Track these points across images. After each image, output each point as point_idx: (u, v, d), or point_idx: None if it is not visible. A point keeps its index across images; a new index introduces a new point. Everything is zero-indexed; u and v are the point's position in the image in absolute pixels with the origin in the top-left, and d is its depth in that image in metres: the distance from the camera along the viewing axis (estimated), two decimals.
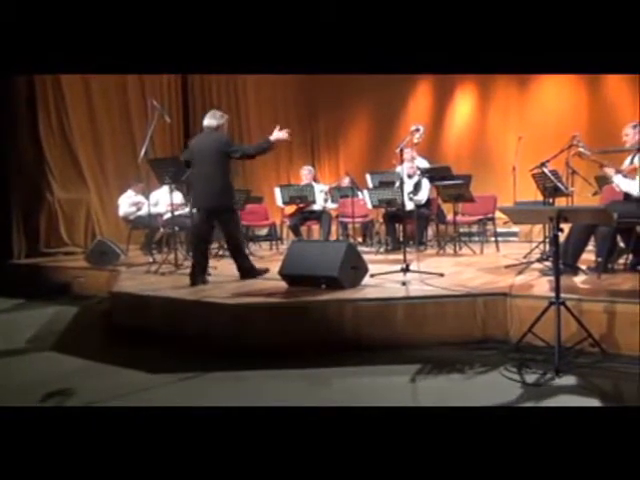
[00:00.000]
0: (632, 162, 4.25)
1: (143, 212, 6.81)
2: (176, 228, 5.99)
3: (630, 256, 4.47)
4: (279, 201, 7.07)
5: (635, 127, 4.59)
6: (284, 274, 4.29)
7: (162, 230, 6.74)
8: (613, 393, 2.77)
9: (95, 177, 8.18)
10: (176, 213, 5.99)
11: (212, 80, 9.70)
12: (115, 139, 8.47)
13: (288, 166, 10.41)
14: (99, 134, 8.25)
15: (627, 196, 4.22)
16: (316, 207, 7.18)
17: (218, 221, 4.75)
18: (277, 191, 7.11)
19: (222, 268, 5.55)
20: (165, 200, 6.30)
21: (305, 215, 7.19)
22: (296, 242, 4.73)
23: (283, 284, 4.28)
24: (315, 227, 7.90)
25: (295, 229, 7.08)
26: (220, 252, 6.91)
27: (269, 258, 6.44)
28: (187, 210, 6.40)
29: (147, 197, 6.62)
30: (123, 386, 3.09)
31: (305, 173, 7.46)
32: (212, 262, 5.89)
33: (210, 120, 4.63)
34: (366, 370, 3.27)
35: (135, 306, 4.36)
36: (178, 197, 6.70)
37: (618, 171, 4.26)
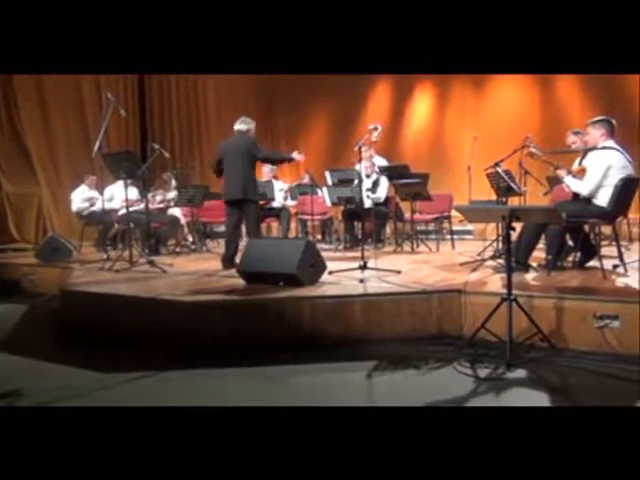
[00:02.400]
0: (580, 164, 4.41)
1: (97, 208, 6.65)
2: (131, 224, 5.87)
3: (578, 254, 4.64)
4: None
5: (577, 133, 4.77)
6: (242, 271, 4.26)
7: (117, 226, 6.60)
8: (561, 386, 2.86)
9: (47, 171, 7.93)
10: (131, 209, 5.86)
11: (171, 77, 9.53)
12: (68, 132, 8.23)
13: None
14: (51, 127, 8.00)
15: (575, 196, 4.37)
16: (275, 204, 7.17)
17: (242, 211, 5.19)
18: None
19: (179, 265, 5.47)
20: (120, 195, 6.16)
21: (264, 212, 7.15)
22: (254, 239, 4.70)
23: (241, 281, 4.25)
24: (274, 224, 7.88)
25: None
26: (177, 249, 6.81)
27: None
28: (143, 206, 6.29)
29: (101, 192, 6.46)
30: (74, 386, 3.01)
31: (266, 171, 7.42)
32: (168, 259, 5.83)
33: (241, 125, 5.25)
34: (323, 367, 3.28)
35: (88, 304, 4.25)
36: (134, 193, 6.56)
37: (569, 172, 4.42)
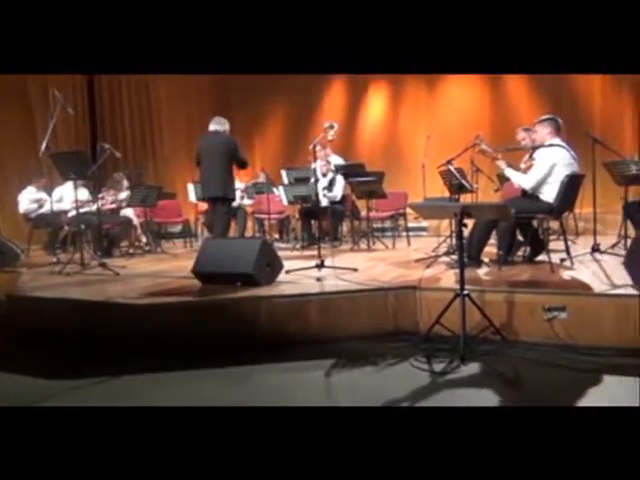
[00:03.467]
0: (529, 160, 4.55)
1: (46, 209, 6.43)
2: (82, 226, 5.71)
3: (528, 249, 4.78)
4: (192, 197, 6.92)
5: (527, 130, 4.92)
6: (197, 272, 4.20)
7: (67, 228, 6.40)
8: (513, 377, 2.95)
9: None
10: (82, 210, 5.70)
11: (121, 77, 9.30)
12: (14, 131, 7.92)
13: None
14: None
15: (524, 193, 4.50)
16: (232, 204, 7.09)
17: (214, 207, 5.28)
18: (190, 187, 6.96)
19: (132, 267, 5.36)
20: (70, 196, 5.98)
21: None
22: (210, 239, 4.65)
23: (196, 282, 4.20)
24: (231, 223, 7.80)
25: (210, 226, 6.94)
26: (130, 251, 6.66)
27: (183, 256, 6.29)
28: (94, 207, 6.12)
29: (50, 193, 6.25)
30: (22, 393, 2.90)
31: None
32: (121, 261, 5.70)
33: (217, 125, 5.34)
34: (282, 367, 3.27)
35: (37, 310, 4.10)
36: (84, 193, 6.38)
37: (509, 164, 4.54)
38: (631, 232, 4.90)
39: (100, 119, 9.26)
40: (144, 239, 7.07)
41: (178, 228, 8.17)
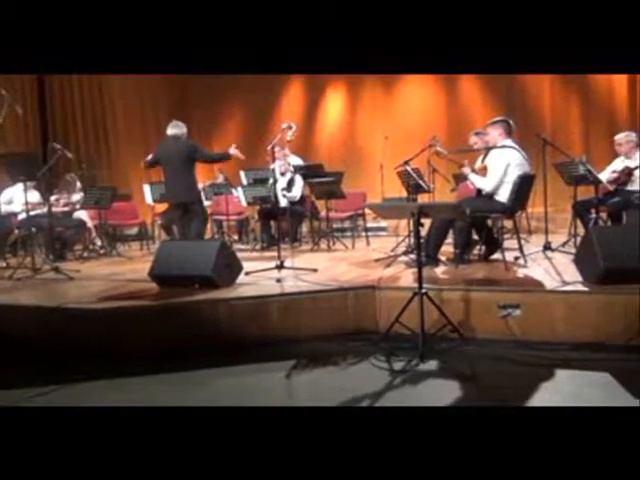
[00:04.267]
0: (482, 162, 4.66)
1: None
2: (33, 229, 5.52)
3: (483, 247, 4.90)
4: (149, 199, 6.79)
5: (478, 134, 5.04)
6: (154, 275, 4.13)
7: (17, 232, 6.17)
8: (469, 374, 3.01)
9: None
10: (33, 213, 5.52)
11: (73, 78, 9.03)
12: None
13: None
14: None
15: (479, 193, 4.61)
16: None
17: (186, 211, 5.23)
18: (146, 188, 6.83)
19: (87, 271, 5.22)
20: (20, 199, 5.77)
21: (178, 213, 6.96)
22: (166, 241, 4.58)
23: (153, 286, 4.12)
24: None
25: (167, 228, 6.84)
26: (84, 254, 6.48)
27: (139, 259, 6.17)
28: (45, 209, 5.93)
29: None
30: None
31: None
32: (75, 265, 5.55)
33: (175, 130, 5.24)
34: (243, 369, 3.25)
35: None
36: (35, 195, 6.18)
37: (473, 170, 4.66)
38: (580, 230, 5.07)
39: (51, 119, 8.97)
40: (98, 242, 6.89)
41: (134, 230, 7.99)
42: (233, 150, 5.23)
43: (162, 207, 6.92)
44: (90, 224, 6.86)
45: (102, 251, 6.70)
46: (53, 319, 3.68)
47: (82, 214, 6.78)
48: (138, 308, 3.67)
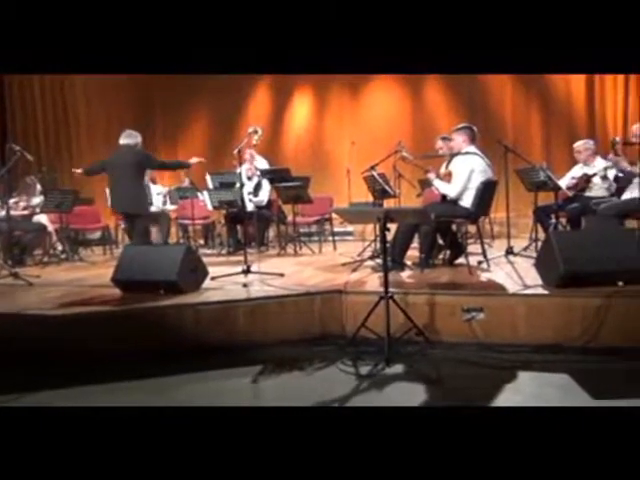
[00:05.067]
0: (447, 168, 4.74)
1: None
2: None
3: (448, 252, 4.97)
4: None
5: (444, 139, 5.13)
6: (118, 280, 4.05)
7: None
8: (435, 376, 3.05)
9: None
10: None
11: (34, 78, 8.80)
12: None
13: None
14: None
15: (444, 198, 4.69)
16: (153, 209, 6.89)
17: (130, 223, 5.22)
18: (109, 192, 6.68)
19: (47, 276, 5.08)
20: None
21: None
22: (130, 246, 4.50)
23: (117, 291, 4.04)
24: (153, 229, 7.57)
25: (131, 232, 6.71)
26: (45, 259, 6.32)
27: (102, 264, 6.04)
28: (4, 213, 5.75)
29: None
30: None
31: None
32: (35, 270, 5.40)
33: (128, 139, 5.13)
34: (209, 375, 3.22)
35: None
36: None
37: (438, 175, 4.73)
38: (541, 235, 5.20)
39: (10, 119, 8.73)
40: (60, 247, 6.72)
41: (97, 235, 7.82)
42: (195, 160, 5.44)
43: None
44: (51, 228, 6.69)
45: (63, 256, 6.54)
46: (12, 326, 3.57)
47: (42, 218, 6.61)
48: (100, 314, 3.60)
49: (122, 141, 5.18)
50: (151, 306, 3.66)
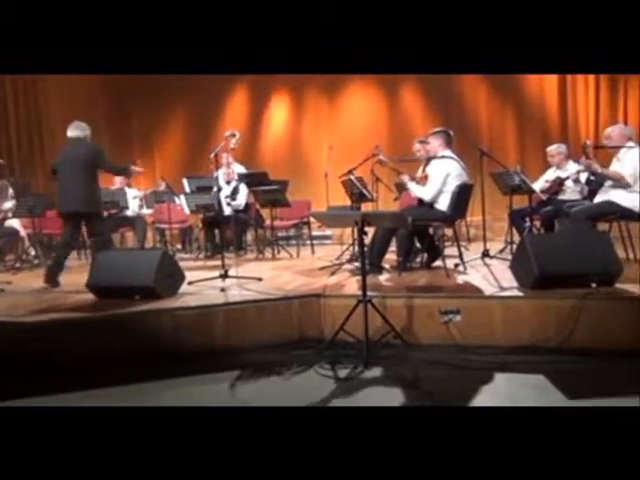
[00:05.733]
0: (423, 171, 4.78)
1: None
2: None
3: (425, 255, 5.01)
4: None
5: (422, 142, 5.18)
6: (92, 286, 3.99)
7: None
8: (412, 379, 3.07)
9: None
10: None
11: (5, 80, 8.62)
12: None
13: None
14: None
15: (421, 202, 4.72)
16: (129, 213, 6.82)
17: (86, 225, 4.90)
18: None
19: (19, 282, 4.98)
20: None
21: (117, 221, 6.77)
22: (105, 251, 4.43)
23: (92, 297, 3.98)
24: (129, 234, 7.49)
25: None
26: (17, 264, 6.19)
27: (76, 269, 5.93)
28: None
29: None
30: None
31: (119, 178, 7.04)
32: (7, 276, 5.29)
33: (76, 131, 4.82)
34: (186, 381, 3.18)
35: None
36: None
37: (412, 178, 4.77)
38: (516, 238, 5.28)
39: None
40: (32, 252, 6.59)
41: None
42: (135, 169, 5.22)
43: None
44: (23, 233, 6.57)
45: (36, 261, 6.41)
46: None
47: (14, 222, 6.48)
48: (75, 321, 3.53)
49: (70, 133, 4.85)
50: (127, 312, 3.61)
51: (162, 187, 7.55)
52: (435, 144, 4.71)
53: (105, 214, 6.59)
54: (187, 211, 6.58)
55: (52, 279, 4.66)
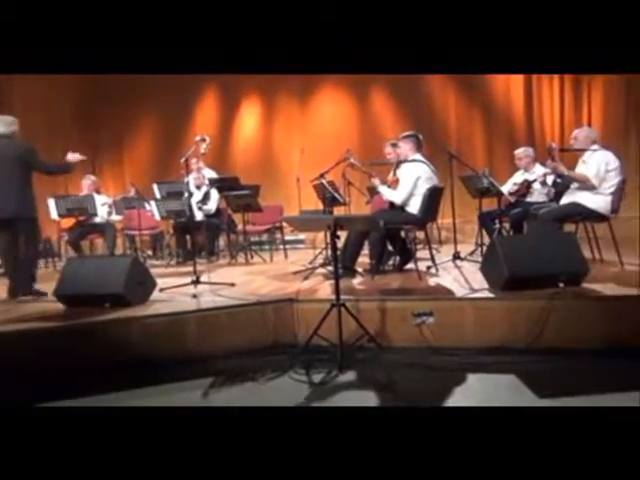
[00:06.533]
0: (394, 174, 4.82)
1: None
2: None
3: (397, 258, 5.05)
4: (54, 213, 6.43)
5: (394, 145, 5.23)
6: (61, 294, 3.90)
7: None
8: (386, 382, 3.08)
9: None
10: None
11: None
12: None
13: (65, 175, 9.45)
14: None
15: (392, 205, 4.76)
16: (98, 220, 6.70)
17: (14, 231, 4.40)
18: (51, 202, 6.45)
19: None
20: None
21: (86, 229, 6.65)
22: (73, 259, 4.35)
23: (60, 306, 3.89)
24: (99, 241, 7.36)
25: (75, 244, 6.50)
26: None
27: (44, 277, 5.79)
28: None
29: None
30: None
31: (87, 183, 6.92)
32: None
33: (1, 128, 4.36)
34: (159, 389, 3.13)
35: None
36: None
37: (383, 182, 4.81)
38: (486, 240, 5.35)
39: None
40: None
41: (38, 247, 7.51)
42: (70, 157, 4.58)
43: (69, 223, 6.58)
44: None
45: (1, 270, 6.24)
46: None
47: None
48: (43, 330, 3.45)
49: None
50: (96, 320, 3.54)
51: (132, 193, 7.46)
52: (405, 148, 4.76)
53: (74, 221, 6.52)
54: (158, 217, 6.50)
55: (13, 293, 4.43)
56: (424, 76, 8.71)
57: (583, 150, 4.62)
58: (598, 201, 4.46)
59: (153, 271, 4.31)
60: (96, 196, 6.74)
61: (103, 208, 6.75)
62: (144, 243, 7.78)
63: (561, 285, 3.52)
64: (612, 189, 4.46)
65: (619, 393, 2.67)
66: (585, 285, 3.63)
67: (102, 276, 3.87)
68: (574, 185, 4.61)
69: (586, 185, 4.48)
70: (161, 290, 4.21)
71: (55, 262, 7.07)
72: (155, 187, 6.85)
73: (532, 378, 2.93)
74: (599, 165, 4.44)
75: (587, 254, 4.37)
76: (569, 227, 4.85)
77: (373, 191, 6.19)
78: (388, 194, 4.71)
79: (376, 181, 4.77)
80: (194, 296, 4.06)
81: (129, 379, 3.21)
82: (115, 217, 7.06)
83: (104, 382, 3.16)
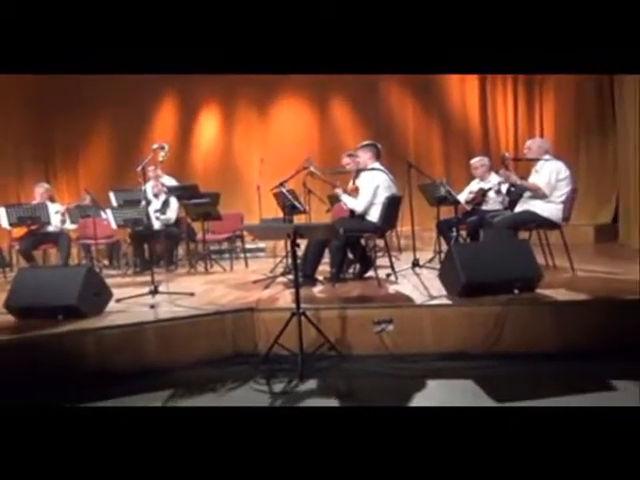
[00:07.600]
0: (354, 183, 4.86)
1: None
2: None
3: (357, 266, 5.08)
4: (4, 222, 6.20)
5: (351, 156, 5.28)
6: (11, 306, 3.76)
7: None
8: (347, 390, 3.08)
9: None
10: None
11: None
12: None
13: (18, 183, 9.14)
14: None
15: (352, 213, 4.80)
16: (51, 229, 6.50)
17: None
18: (1, 211, 6.23)
19: None
20: None
21: (38, 238, 6.44)
22: (25, 269, 4.20)
23: (10, 318, 3.75)
24: (52, 251, 7.13)
25: (27, 254, 6.29)
26: None
27: None
28: None
29: None
30: None
31: (40, 191, 6.70)
32: None
33: None
34: (115, 402, 3.05)
35: None
36: None
37: (345, 191, 4.84)
38: (444, 247, 5.45)
39: None
40: None
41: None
42: None
43: (20, 232, 6.35)
44: None
45: None
46: None
47: None
48: None
49: None
50: (48, 333, 3.43)
51: (87, 201, 7.26)
52: (364, 157, 4.80)
53: (26, 230, 6.30)
54: (114, 225, 6.34)
55: None
56: (383, 83, 8.84)
57: (536, 160, 4.76)
58: (550, 209, 4.60)
59: (109, 281, 4.21)
60: (49, 204, 6.54)
61: (56, 216, 6.55)
62: (100, 252, 7.58)
63: (516, 291, 3.61)
64: (563, 197, 4.61)
65: (574, 395, 2.76)
66: (539, 291, 3.74)
67: (55, 287, 3.75)
68: (527, 194, 4.74)
69: (538, 194, 4.62)
70: (117, 301, 4.11)
71: (6, 272, 6.81)
72: (111, 195, 6.70)
73: (490, 383, 2.99)
74: (550, 174, 4.59)
75: (540, 260, 4.50)
76: (523, 234, 4.98)
77: (333, 199, 6.22)
78: (350, 203, 4.75)
79: (339, 190, 4.80)
80: (152, 306, 3.98)
81: (84, 393, 3.11)
82: (69, 226, 6.86)
83: (58, 397, 3.06)
